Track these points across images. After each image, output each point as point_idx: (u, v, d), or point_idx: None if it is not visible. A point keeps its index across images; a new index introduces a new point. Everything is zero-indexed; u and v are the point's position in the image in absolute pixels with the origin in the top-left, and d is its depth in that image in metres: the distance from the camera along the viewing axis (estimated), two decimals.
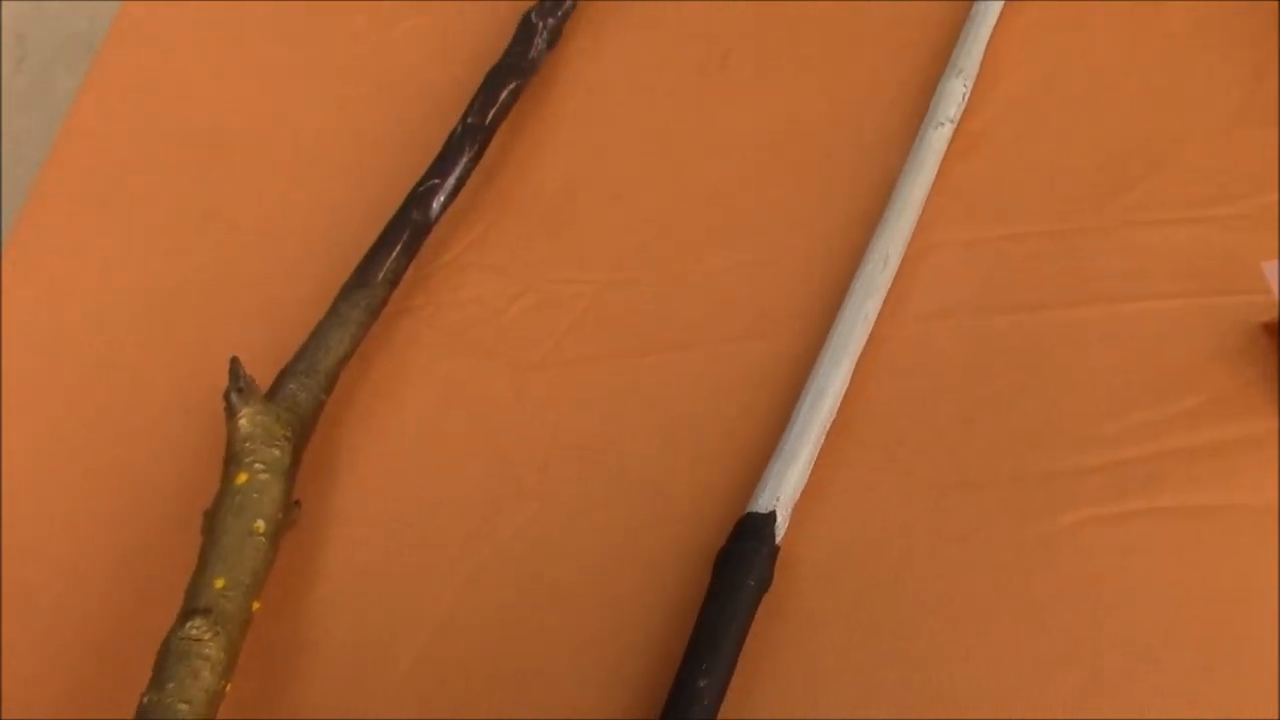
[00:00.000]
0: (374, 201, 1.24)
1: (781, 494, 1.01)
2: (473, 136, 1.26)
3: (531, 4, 1.36)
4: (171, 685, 0.87)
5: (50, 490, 1.11)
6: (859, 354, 1.10)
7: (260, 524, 0.96)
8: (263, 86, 1.38)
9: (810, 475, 1.04)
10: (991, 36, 1.30)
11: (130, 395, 1.16)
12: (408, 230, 1.19)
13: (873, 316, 1.12)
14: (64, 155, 1.31)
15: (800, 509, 1.03)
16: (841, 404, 1.08)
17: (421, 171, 1.23)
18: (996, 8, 1.32)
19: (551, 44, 1.36)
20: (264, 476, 0.99)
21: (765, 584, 0.97)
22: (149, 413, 1.14)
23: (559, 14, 1.37)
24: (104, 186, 1.30)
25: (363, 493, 1.09)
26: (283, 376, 1.09)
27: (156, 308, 1.21)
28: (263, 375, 1.08)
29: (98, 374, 1.17)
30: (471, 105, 1.28)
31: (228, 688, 0.90)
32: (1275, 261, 1.16)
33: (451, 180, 1.23)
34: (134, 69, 1.38)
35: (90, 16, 2.65)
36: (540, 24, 1.36)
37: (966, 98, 1.26)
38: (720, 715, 0.93)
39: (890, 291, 1.14)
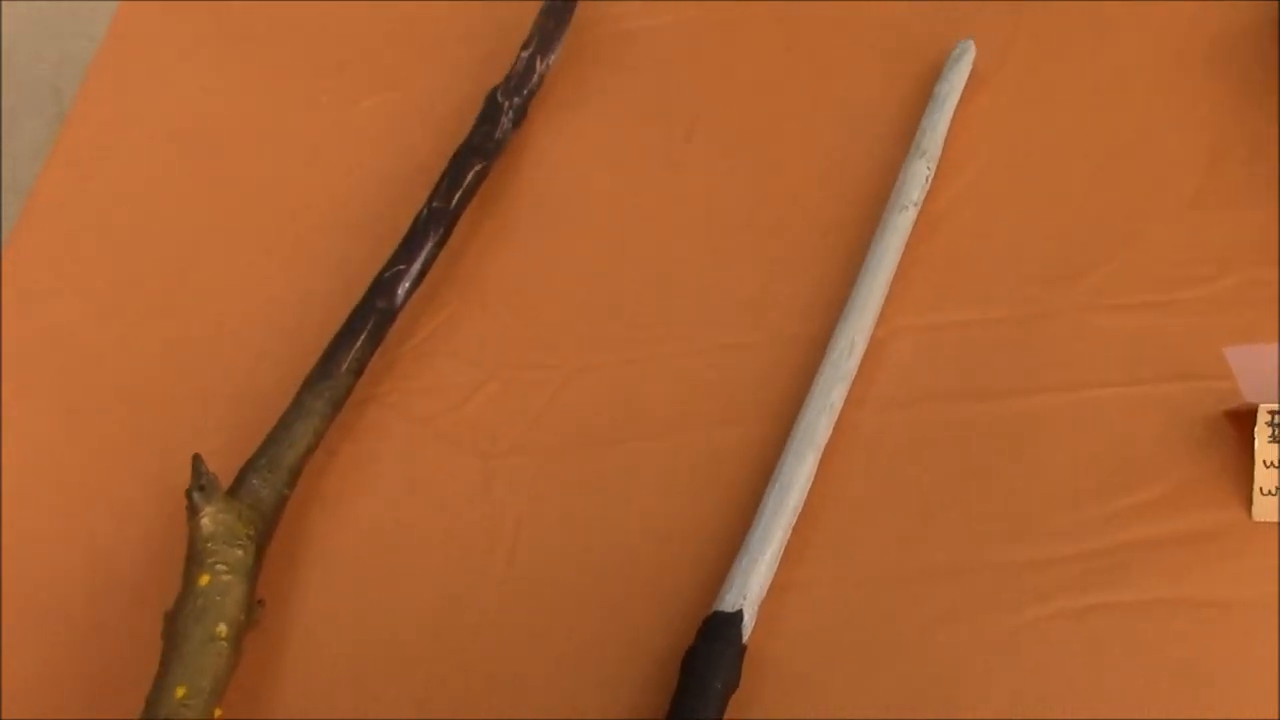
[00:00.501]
0: (339, 286, 1.23)
1: (749, 592, 1.00)
2: (438, 220, 1.26)
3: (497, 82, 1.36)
4: None
5: (13, 589, 1.09)
6: (824, 444, 1.10)
7: (222, 628, 0.95)
8: (223, 169, 1.37)
9: (777, 569, 1.03)
10: (953, 118, 1.30)
11: (94, 487, 1.14)
12: (373, 318, 1.18)
13: (838, 406, 1.12)
14: (25, 239, 1.29)
15: (767, 605, 1.02)
16: (808, 495, 1.07)
17: (386, 254, 1.22)
18: (958, 90, 1.32)
19: (517, 123, 1.35)
20: (226, 578, 0.98)
21: (733, 685, 0.96)
22: (112, 505, 1.13)
23: (524, 92, 1.36)
24: (66, 273, 1.28)
25: (327, 588, 1.08)
26: (246, 471, 1.07)
27: (119, 399, 1.19)
28: (227, 466, 1.07)
29: (57, 464, 1.16)
30: (437, 188, 1.28)
31: None
32: (1238, 347, 1.15)
33: (417, 265, 1.22)
34: (95, 156, 1.37)
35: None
36: (506, 103, 1.35)
37: (930, 180, 1.26)
38: None
39: (855, 379, 1.14)
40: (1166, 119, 1.30)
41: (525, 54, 1.38)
